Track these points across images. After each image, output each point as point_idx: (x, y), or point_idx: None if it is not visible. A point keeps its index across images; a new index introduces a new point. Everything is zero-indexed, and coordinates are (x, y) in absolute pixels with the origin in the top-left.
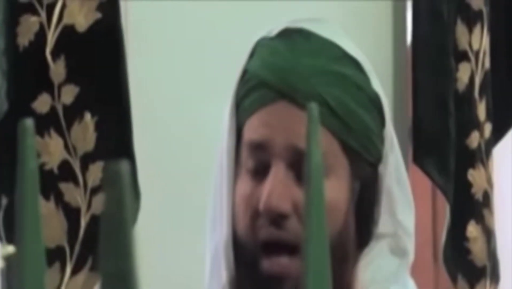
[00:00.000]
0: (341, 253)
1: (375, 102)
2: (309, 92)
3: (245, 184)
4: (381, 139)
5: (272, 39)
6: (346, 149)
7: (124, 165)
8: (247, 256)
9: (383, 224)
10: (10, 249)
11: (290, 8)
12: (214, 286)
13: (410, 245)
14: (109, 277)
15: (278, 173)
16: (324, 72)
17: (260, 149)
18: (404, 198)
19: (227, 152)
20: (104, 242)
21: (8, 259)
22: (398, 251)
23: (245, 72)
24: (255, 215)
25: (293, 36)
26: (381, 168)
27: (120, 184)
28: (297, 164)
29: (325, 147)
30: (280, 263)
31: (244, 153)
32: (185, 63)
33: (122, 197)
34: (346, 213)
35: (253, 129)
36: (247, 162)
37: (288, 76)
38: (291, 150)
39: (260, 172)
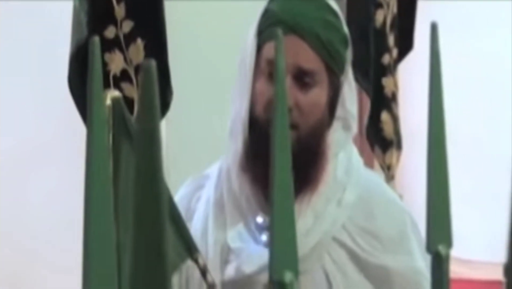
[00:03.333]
0: (321, 130)
1: (345, 39)
2: (311, 31)
3: (262, 83)
4: (346, 62)
5: None
6: (328, 69)
7: (152, 62)
8: (260, 126)
9: (339, 110)
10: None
11: None
12: (234, 143)
13: (354, 124)
14: (140, 136)
15: (287, 81)
16: (320, 19)
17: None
18: (351, 93)
19: (250, 58)
20: (139, 111)
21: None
22: (346, 127)
23: (266, 11)
24: (267, 105)
25: None
26: (342, 78)
27: (150, 72)
28: (299, 77)
29: (317, 68)
30: None
31: (263, 63)
32: None
33: (151, 80)
34: (324, 108)
35: (271, 50)
36: (265, 69)
37: (299, 19)
38: (296, 67)
39: (273, 78)
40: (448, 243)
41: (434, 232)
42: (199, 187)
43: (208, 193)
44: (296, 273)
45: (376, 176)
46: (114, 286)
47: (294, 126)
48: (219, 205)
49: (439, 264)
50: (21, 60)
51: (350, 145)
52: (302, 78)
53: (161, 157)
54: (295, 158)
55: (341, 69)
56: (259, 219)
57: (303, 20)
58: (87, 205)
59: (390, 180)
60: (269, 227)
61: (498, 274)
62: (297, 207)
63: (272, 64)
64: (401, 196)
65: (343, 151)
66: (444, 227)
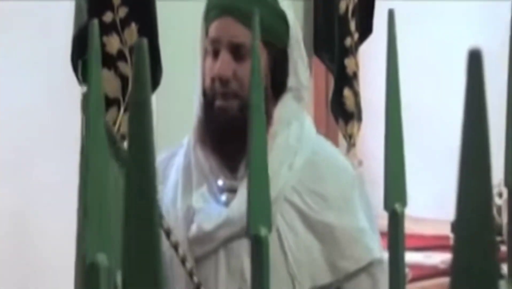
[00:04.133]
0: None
1: (282, 16)
2: (244, 11)
3: (208, 61)
4: (287, 36)
5: None
6: (264, 42)
7: (144, 40)
8: (208, 99)
9: (291, 81)
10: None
11: None
12: (196, 109)
13: (306, 94)
14: (133, 106)
15: (224, 56)
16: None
17: (215, 42)
18: (303, 66)
19: (201, 41)
20: (133, 84)
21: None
22: (298, 98)
23: (207, 4)
24: (213, 79)
25: None
26: (289, 51)
27: (142, 48)
28: (235, 51)
29: (249, 41)
30: (225, 102)
31: (208, 44)
32: None
33: (143, 55)
34: (264, 76)
35: (212, 31)
36: (209, 49)
37: (231, 2)
38: (231, 42)
39: (216, 55)
40: (403, 202)
41: (391, 192)
42: (173, 154)
43: (179, 160)
44: (270, 228)
45: (327, 143)
46: (109, 243)
47: (235, 95)
48: (187, 171)
49: (396, 221)
50: (28, 51)
51: (303, 114)
52: (237, 51)
53: (152, 124)
54: (240, 124)
55: (280, 42)
56: (220, 182)
57: (234, 2)
58: (84, 174)
59: (351, 147)
60: (247, 191)
61: (446, 230)
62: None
63: (213, 42)
64: (361, 162)
65: (296, 119)
66: (399, 188)
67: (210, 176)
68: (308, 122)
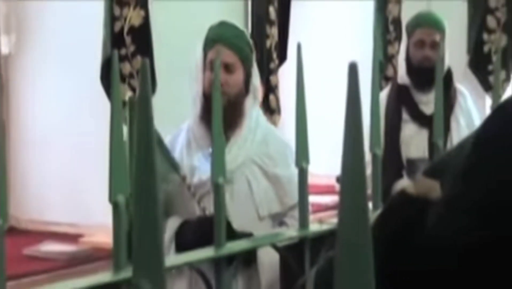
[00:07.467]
0: (241, 97)
1: (249, 45)
2: (231, 42)
3: (207, 73)
4: (252, 58)
5: (216, 25)
6: (242, 62)
7: (147, 60)
8: (207, 97)
9: (251, 86)
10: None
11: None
12: (195, 109)
13: (258, 94)
14: (139, 101)
15: (220, 70)
16: (234, 34)
17: (213, 62)
18: (257, 77)
19: (200, 61)
20: (139, 85)
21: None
22: (255, 97)
23: (207, 37)
24: (210, 85)
25: (223, 23)
26: (251, 68)
27: (145, 64)
28: (226, 67)
29: (235, 61)
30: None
31: (207, 63)
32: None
33: (146, 68)
34: (241, 84)
35: (210, 56)
36: (209, 66)
37: (223, 36)
38: (224, 63)
39: (213, 70)
40: (307, 161)
41: (299, 156)
42: (177, 135)
43: (182, 137)
44: (225, 179)
45: (271, 125)
46: (127, 182)
47: (225, 94)
48: (188, 144)
49: (302, 175)
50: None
51: (258, 108)
52: (227, 67)
53: (152, 113)
54: (227, 113)
55: (250, 62)
56: (210, 150)
57: (225, 37)
58: (111, 140)
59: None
60: (211, 156)
61: (332, 181)
62: (229, 143)
63: (212, 63)
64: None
65: (255, 110)
66: (305, 153)
67: (204, 146)
68: (261, 113)
